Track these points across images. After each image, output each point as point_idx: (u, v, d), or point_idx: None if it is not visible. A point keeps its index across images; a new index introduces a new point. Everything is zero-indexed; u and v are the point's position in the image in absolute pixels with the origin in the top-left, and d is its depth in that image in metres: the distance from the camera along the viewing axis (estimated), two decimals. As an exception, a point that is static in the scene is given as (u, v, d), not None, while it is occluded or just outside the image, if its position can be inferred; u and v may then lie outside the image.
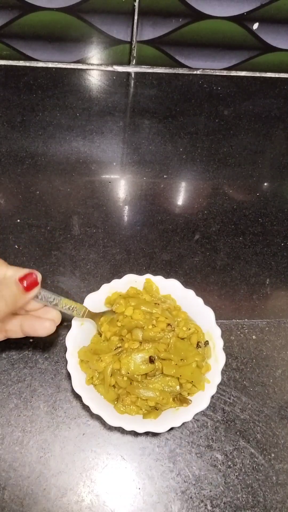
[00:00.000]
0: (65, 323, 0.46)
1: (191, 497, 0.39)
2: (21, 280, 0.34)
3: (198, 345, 0.40)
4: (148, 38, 0.67)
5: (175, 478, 0.40)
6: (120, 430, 0.41)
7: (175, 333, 0.40)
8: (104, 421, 0.37)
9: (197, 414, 0.38)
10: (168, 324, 0.40)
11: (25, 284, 0.34)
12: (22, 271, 0.34)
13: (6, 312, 0.34)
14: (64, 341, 0.41)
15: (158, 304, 0.42)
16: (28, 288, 0.34)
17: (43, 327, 0.37)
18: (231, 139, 0.64)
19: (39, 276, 0.35)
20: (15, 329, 0.37)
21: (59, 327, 0.46)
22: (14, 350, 0.44)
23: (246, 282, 0.51)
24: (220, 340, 0.41)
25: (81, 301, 0.41)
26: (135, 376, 0.38)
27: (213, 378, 0.39)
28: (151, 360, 0.38)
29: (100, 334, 0.41)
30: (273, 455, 0.41)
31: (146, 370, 0.38)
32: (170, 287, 0.44)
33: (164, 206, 0.57)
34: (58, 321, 0.38)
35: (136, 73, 0.71)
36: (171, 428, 0.39)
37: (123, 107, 0.66)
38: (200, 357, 0.39)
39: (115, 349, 0.39)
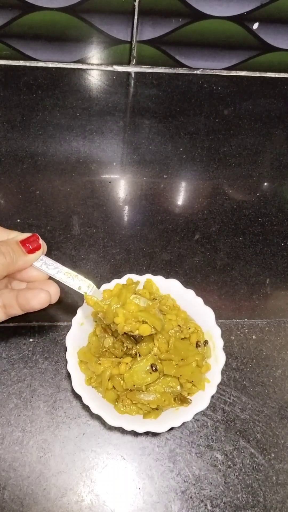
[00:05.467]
0: (65, 323, 0.46)
1: (191, 497, 0.39)
2: (23, 242, 0.34)
3: (197, 345, 0.40)
4: (148, 38, 0.67)
5: (175, 478, 0.39)
6: (120, 430, 0.41)
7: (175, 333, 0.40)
8: (104, 421, 0.37)
9: (197, 414, 0.38)
10: (178, 325, 0.40)
11: (28, 247, 0.35)
12: (25, 235, 0.35)
13: (2, 270, 0.33)
14: (64, 341, 0.41)
15: (155, 299, 0.42)
16: (31, 251, 0.35)
17: (38, 298, 0.35)
18: (231, 139, 0.64)
19: (43, 244, 0.36)
20: (11, 303, 0.36)
21: (58, 326, 0.46)
22: (14, 350, 0.44)
23: (246, 282, 0.51)
24: (220, 340, 0.41)
25: (81, 302, 0.41)
26: (140, 386, 0.38)
27: (213, 378, 0.39)
28: (153, 368, 0.38)
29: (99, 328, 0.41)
30: (273, 455, 0.41)
31: (151, 380, 0.38)
32: (170, 287, 0.44)
33: (164, 206, 0.56)
34: (56, 296, 0.36)
35: (136, 73, 0.71)
36: (171, 428, 0.39)
37: (123, 107, 0.66)
38: (200, 356, 0.39)
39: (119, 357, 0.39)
